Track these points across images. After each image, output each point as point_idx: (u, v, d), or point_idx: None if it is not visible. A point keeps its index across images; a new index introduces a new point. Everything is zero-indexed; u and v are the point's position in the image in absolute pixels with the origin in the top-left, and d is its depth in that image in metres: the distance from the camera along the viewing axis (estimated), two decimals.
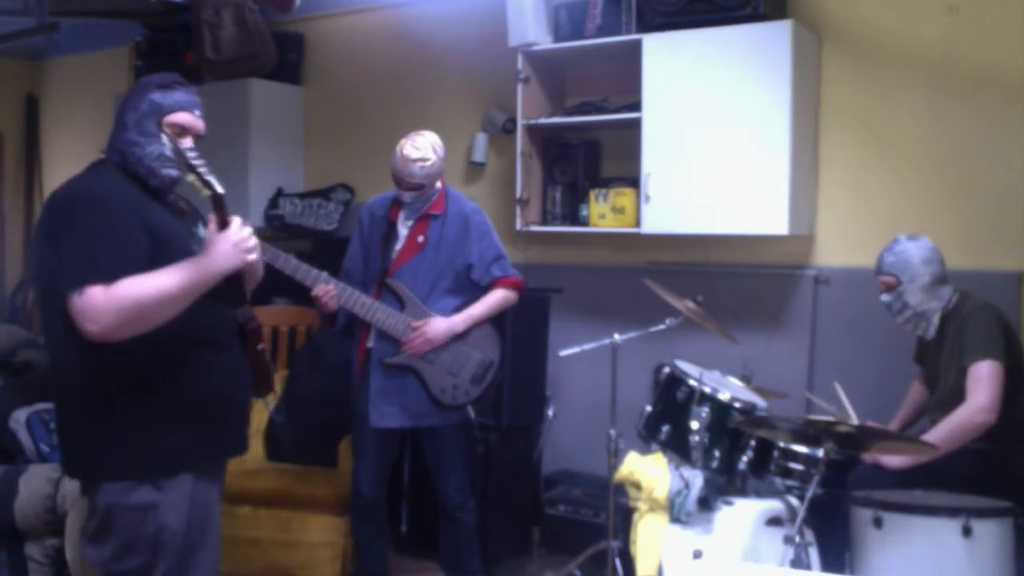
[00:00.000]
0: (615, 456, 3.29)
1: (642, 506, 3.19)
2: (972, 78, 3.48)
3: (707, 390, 3.07)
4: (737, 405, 3.08)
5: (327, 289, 3.17)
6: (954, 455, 2.79)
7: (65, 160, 6.35)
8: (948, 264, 3.06)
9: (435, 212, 3.30)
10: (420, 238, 3.29)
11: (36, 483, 3.35)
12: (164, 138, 2.14)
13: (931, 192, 3.57)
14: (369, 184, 4.76)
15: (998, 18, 3.42)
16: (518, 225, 4.14)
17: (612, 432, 3.29)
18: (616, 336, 3.30)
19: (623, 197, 3.91)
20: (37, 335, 5.11)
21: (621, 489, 3.35)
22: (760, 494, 3.30)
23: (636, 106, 3.81)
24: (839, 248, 3.76)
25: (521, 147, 4.12)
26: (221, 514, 2.38)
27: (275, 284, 3.40)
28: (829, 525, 2.89)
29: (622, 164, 4.11)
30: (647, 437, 3.19)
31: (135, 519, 2.13)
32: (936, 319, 3.05)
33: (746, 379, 3.42)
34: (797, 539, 2.60)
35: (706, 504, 3.08)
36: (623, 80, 3.96)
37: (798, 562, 2.59)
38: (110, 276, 1.99)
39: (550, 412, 4.15)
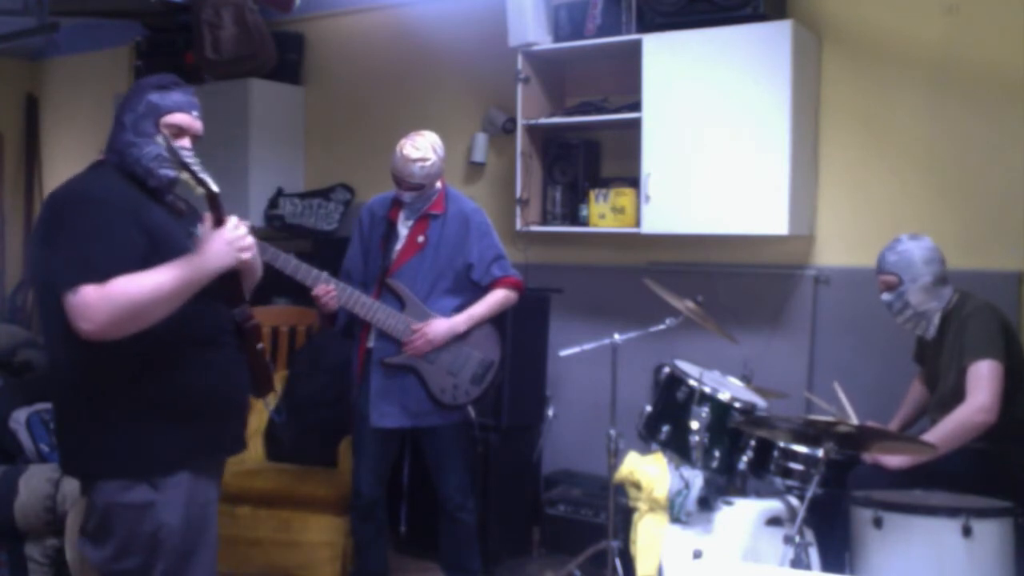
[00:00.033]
0: (615, 456, 3.29)
1: (642, 506, 3.19)
2: (972, 78, 3.48)
3: (707, 390, 3.07)
4: (737, 405, 3.08)
5: (327, 289, 3.17)
6: (954, 455, 2.79)
7: (65, 160, 6.35)
8: (948, 264, 3.06)
9: (435, 212, 3.30)
10: (420, 238, 3.29)
11: (36, 483, 3.35)
12: (159, 138, 2.15)
13: (931, 192, 3.57)
14: (369, 184, 4.76)
15: (998, 18, 3.42)
16: (518, 225, 4.14)
17: (612, 432, 3.29)
18: (616, 336, 3.30)
19: (623, 197, 3.91)
20: (37, 335, 5.11)
21: (621, 489, 3.35)
22: (760, 494, 3.30)
23: (636, 106, 3.81)
24: (839, 248, 3.76)
25: (521, 147, 4.12)
26: (220, 514, 2.38)
27: (275, 284, 3.40)
28: (829, 525, 2.89)
29: (622, 164, 4.11)
30: (647, 437, 3.19)
31: (132, 518, 2.13)
32: (936, 319, 3.05)
33: (746, 379, 3.42)
34: (797, 539, 2.60)
35: (706, 504, 3.08)
36: (623, 80, 3.96)
37: (798, 562, 2.59)
38: (104, 275, 2.00)
39: (550, 412, 4.15)
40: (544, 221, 4.23)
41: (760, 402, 3.22)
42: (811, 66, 3.69)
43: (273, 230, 4.93)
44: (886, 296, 3.07)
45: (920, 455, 2.76)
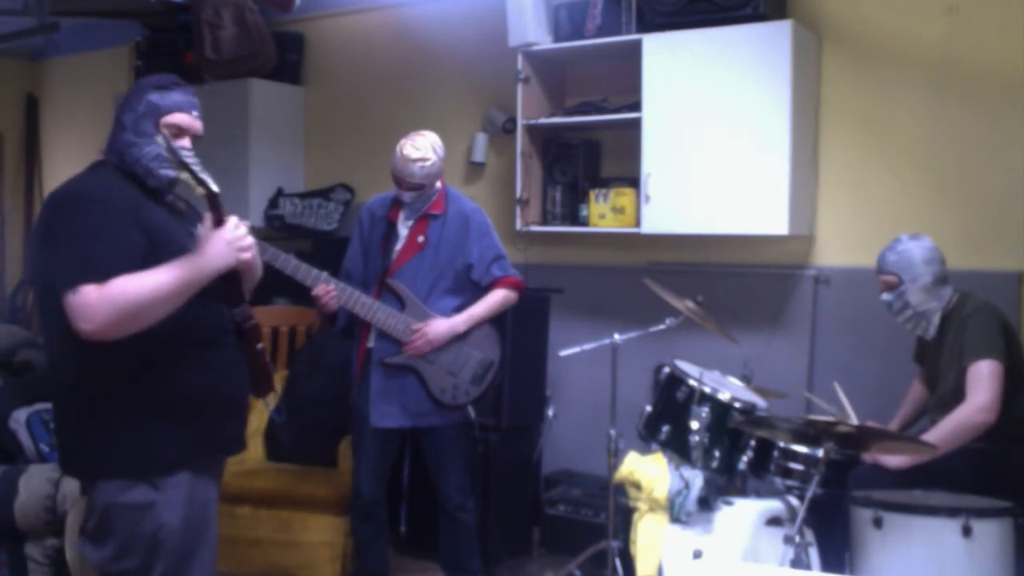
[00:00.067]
0: (615, 456, 3.29)
1: (642, 506, 3.19)
2: (972, 78, 3.48)
3: (707, 390, 3.07)
4: (737, 405, 3.08)
5: (327, 289, 3.17)
6: (954, 455, 2.79)
7: (65, 160, 6.35)
8: (948, 264, 3.06)
9: (435, 212, 3.30)
10: (420, 238, 3.29)
11: (36, 483, 3.35)
12: (159, 138, 2.15)
13: (931, 192, 3.57)
14: (369, 184, 4.76)
15: (998, 18, 3.42)
16: (518, 225, 4.14)
17: (612, 432, 3.29)
18: (616, 336, 3.30)
19: (623, 197, 3.91)
20: (37, 335, 5.11)
21: (621, 489, 3.35)
22: (760, 494, 3.30)
23: (636, 106, 3.81)
24: (839, 248, 3.76)
25: (521, 147, 4.12)
26: (220, 514, 2.38)
27: (275, 284, 3.40)
28: (829, 525, 2.89)
29: (622, 164, 4.11)
30: (647, 437, 3.19)
31: (132, 518, 2.13)
32: (936, 319, 3.05)
33: (746, 379, 3.42)
34: (797, 539, 2.60)
35: (706, 504, 3.08)
36: (623, 80, 3.96)
37: (798, 562, 2.59)
38: (104, 276, 2.00)
39: (550, 412, 4.15)
40: (544, 221, 4.23)
41: (760, 402, 3.22)
42: (811, 66, 3.69)
43: (273, 230, 4.93)
44: (886, 296, 3.07)
45: (920, 455, 2.76)
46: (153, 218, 2.17)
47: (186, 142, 2.23)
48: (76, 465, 2.20)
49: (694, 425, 3.02)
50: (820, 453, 2.66)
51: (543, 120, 4.13)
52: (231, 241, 2.13)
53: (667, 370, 3.23)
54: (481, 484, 3.82)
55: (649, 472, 3.22)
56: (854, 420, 2.89)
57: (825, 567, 2.74)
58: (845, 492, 2.86)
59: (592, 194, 4.01)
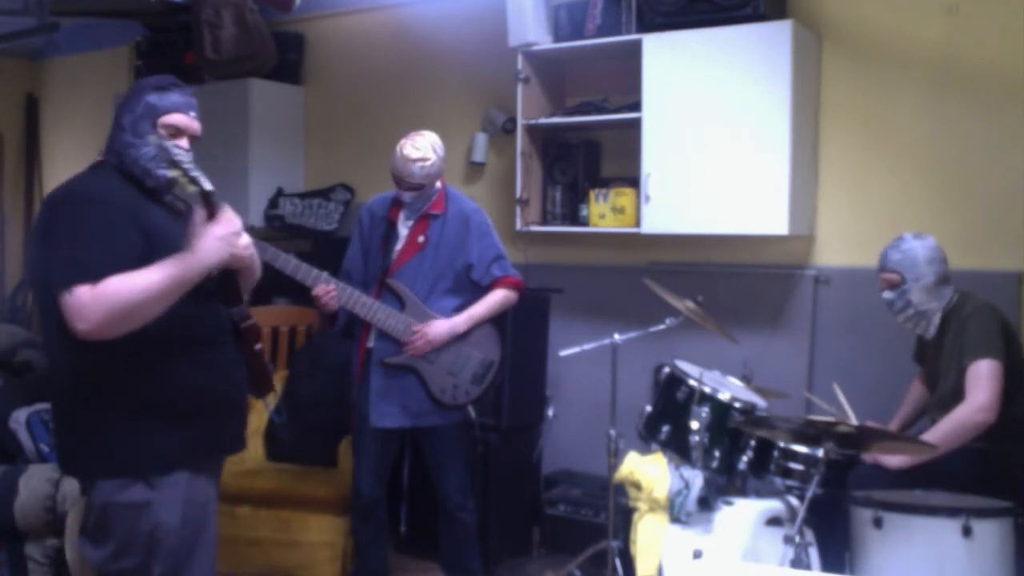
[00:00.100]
0: (615, 456, 3.29)
1: (642, 506, 3.19)
2: (972, 78, 3.48)
3: (707, 390, 3.07)
4: (737, 405, 3.08)
5: (327, 289, 3.17)
6: (954, 455, 2.79)
7: (65, 160, 6.35)
8: (948, 264, 3.06)
9: (435, 212, 3.30)
10: (420, 238, 3.29)
11: (36, 483, 3.35)
12: (151, 137, 2.15)
13: (931, 192, 3.57)
14: (369, 184, 4.76)
15: (998, 18, 3.42)
16: (518, 225, 4.14)
17: (612, 432, 3.29)
18: (616, 336, 3.30)
19: (623, 197, 3.91)
20: (37, 335, 5.11)
21: (621, 489, 3.34)
22: (760, 494, 3.30)
23: (636, 106, 3.81)
24: (839, 248, 3.76)
25: (521, 147, 4.12)
26: (220, 514, 2.38)
27: (275, 284, 3.41)
28: (829, 525, 2.89)
29: (622, 164, 4.11)
30: (647, 437, 3.19)
31: (130, 517, 2.14)
32: (937, 319, 3.04)
33: (746, 379, 3.42)
34: (797, 539, 2.60)
35: (706, 504, 3.08)
36: (623, 80, 3.96)
37: (798, 562, 2.59)
38: (98, 275, 2.01)
39: (550, 412, 4.15)
40: (544, 221, 4.23)
41: (760, 402, 3.22)
42: (811, 66, 3.69)
43: (273, 230, 4.93)
44: (887, 294, 3.07)
45: (920, 455, 2.76)
46: (151, 219, 2.17)
47: (184, 142, 2.23)
48: (75, 464, 2.21)
49: (694, 425, 3.02)
50: (820, 453, 2.66)
51: (543, 120, 4.13)
52: (223, 236, 2.12)
53: (667, 370, 3.23)
54: (481, 484, 3.82)
55: (649, 472, 3.22)
56: (854, 420, 2.89)
57: (825, 567, 2.74)
58: (845, 492, 2.85)
59: (592, 194, 4.01)
